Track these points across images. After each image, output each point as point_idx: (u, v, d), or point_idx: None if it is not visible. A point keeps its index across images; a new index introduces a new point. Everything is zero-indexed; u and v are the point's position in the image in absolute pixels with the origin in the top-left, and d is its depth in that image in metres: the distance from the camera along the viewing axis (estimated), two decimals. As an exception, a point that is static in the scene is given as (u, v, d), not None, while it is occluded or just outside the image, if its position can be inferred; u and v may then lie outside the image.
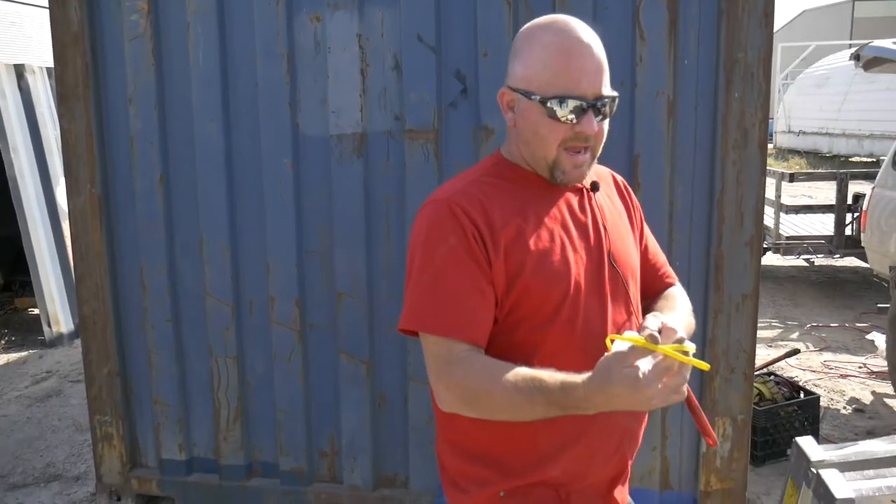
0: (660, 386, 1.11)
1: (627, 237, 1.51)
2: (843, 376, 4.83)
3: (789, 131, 25.89)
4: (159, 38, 2.73)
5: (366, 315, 2.74)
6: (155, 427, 3.00)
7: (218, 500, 2.98)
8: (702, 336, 2.63)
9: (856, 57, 5.29)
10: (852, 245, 6.25)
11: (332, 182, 2.69)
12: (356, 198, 2.68)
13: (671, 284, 1.63)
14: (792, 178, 6.66)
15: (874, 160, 15.29)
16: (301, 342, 2.81)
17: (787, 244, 6.62)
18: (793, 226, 7.19)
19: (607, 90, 1.34)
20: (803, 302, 6.64)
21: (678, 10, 2.46)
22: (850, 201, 6.46)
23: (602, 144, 1.38)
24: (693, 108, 2.53)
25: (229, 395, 2.89)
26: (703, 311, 2.61)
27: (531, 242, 1.33)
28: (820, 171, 12.55)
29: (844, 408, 4.36)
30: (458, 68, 2.58)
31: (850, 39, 30.95)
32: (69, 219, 2.90)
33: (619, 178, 1.63)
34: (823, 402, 4.40)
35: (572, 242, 1.38)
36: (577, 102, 1.30)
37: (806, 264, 7.01)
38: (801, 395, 3.77)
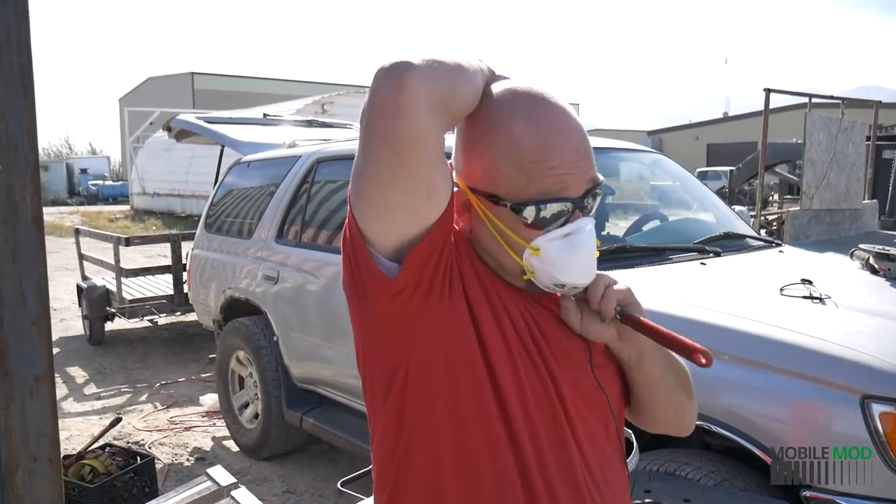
0: None
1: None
2: (188, 428, 5.06)
3: (144, 193, 26.58)
4: None
5: None
6: None
7: None
8: (-4, 430, 2.38)
9: (168, 128, 5.66)
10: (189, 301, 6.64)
11: None
12: None
13: None
14: (128, 242, 6.74)
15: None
16: None
17: (131, 307, 6.67)
18: (140, 288, 7.31)
19: (594, 175, 1.05)
20: (154, 362, 6.76)
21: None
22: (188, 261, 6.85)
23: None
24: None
25: None
26: (-7, 402, 2.37)
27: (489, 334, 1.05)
28: (154, 234, 13.19)
29: (188, 459, 4.56)
30: None
31: (193, 108, 33.63)
32: None
33: None
34: (168, 458, 4.53)
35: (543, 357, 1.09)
36: (562, 206, 1.01)
37: (153, 325, 7.16)
38: (138, 460, 3.78)
